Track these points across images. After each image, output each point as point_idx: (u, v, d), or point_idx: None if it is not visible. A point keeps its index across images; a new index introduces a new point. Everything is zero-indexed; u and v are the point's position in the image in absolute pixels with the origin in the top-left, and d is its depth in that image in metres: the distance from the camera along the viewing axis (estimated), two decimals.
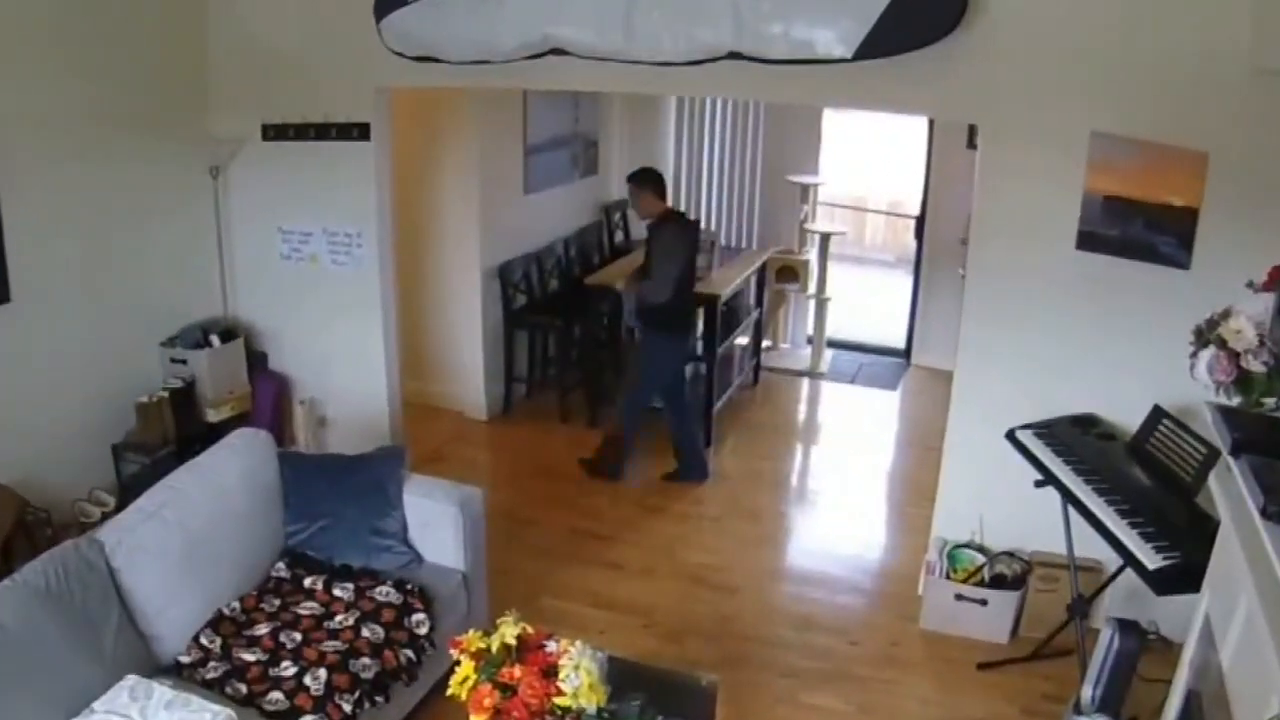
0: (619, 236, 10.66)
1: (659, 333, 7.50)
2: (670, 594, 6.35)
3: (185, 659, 4.47)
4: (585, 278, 9.04)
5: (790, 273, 10.44)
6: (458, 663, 3.75)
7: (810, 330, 10.79)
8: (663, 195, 7.37)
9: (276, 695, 4.26)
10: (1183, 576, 4.21)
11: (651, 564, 6.68)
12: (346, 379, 7.25)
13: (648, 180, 7.32)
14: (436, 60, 6.13)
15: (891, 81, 5.40)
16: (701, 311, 8.47)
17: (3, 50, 5.51)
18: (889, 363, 10.75)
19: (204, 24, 6.77)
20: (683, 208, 10.80)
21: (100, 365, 6.33)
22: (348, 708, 4.30)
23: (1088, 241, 5.39)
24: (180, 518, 4.64)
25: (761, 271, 9.81)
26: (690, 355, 8.00)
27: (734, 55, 5.47)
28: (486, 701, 3.60)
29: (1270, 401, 4.09)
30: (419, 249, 8.45)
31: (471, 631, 3.85)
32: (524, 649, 3.79)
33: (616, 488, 7.67)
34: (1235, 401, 4.20)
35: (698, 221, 7.81)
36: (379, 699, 4.49)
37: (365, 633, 4.69)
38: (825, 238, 10.39)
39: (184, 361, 6.71)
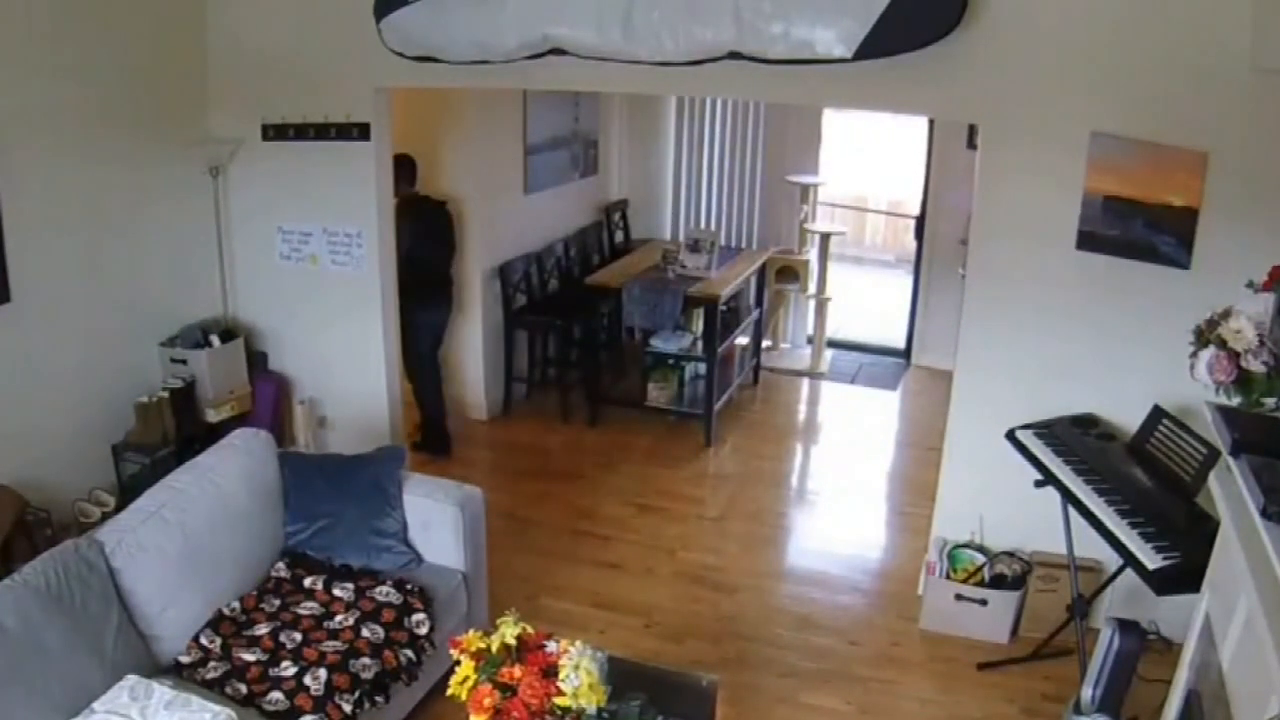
0: (619, 237, 10.66)
1: (405, 307, 7.53)
2: (670, 594, 6.35)
3: (185, 659, 4.47)
4: (585, 278, 9.04)
5: (790, 273, 10.44)
6: (458, 663, 3.75)
7: (810, 330, 10.79)
8: (409, 180, 7.60)
9: (276, 695, 4.26)
10: (1183, 576, 4.21)
11: (651, 564, 6.68)
12: (346, 379, 7.25)
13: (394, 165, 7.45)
14: (436, 60, 6.13)
15: (891, 82, 5.41)
16: (702, 311, 8.49)
17: (2, 50, 5.51)
18: (889, 363, 10.74)
19: (203, 23, 6.76)
20: (683, 208, 10.87)
21: (100, 365, 6.33)
22: (348, 708, 4.30)
23: (1088, 241, 5.39)
24: (180, 518, 4.65)
25: (761, 271, 9.80)
26: (435, 330, 8.04)
27: (734, 55, 5.47)
28: (486, 701, 3.60)
29: (1270, 401, 4.10)
30: None
31: (471, 631, 3.86)
32: (524, 649, 3.79)
33: (615, 487, 7.67)
34: (1235, 401, 4.21)
35: (441, 202, 7.80)
36: (379, 699, 4.49)
37: (365, 633, 4.69)
38: (825, 238, 10.39)
39: (184, 361, 6.70)
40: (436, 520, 5.30)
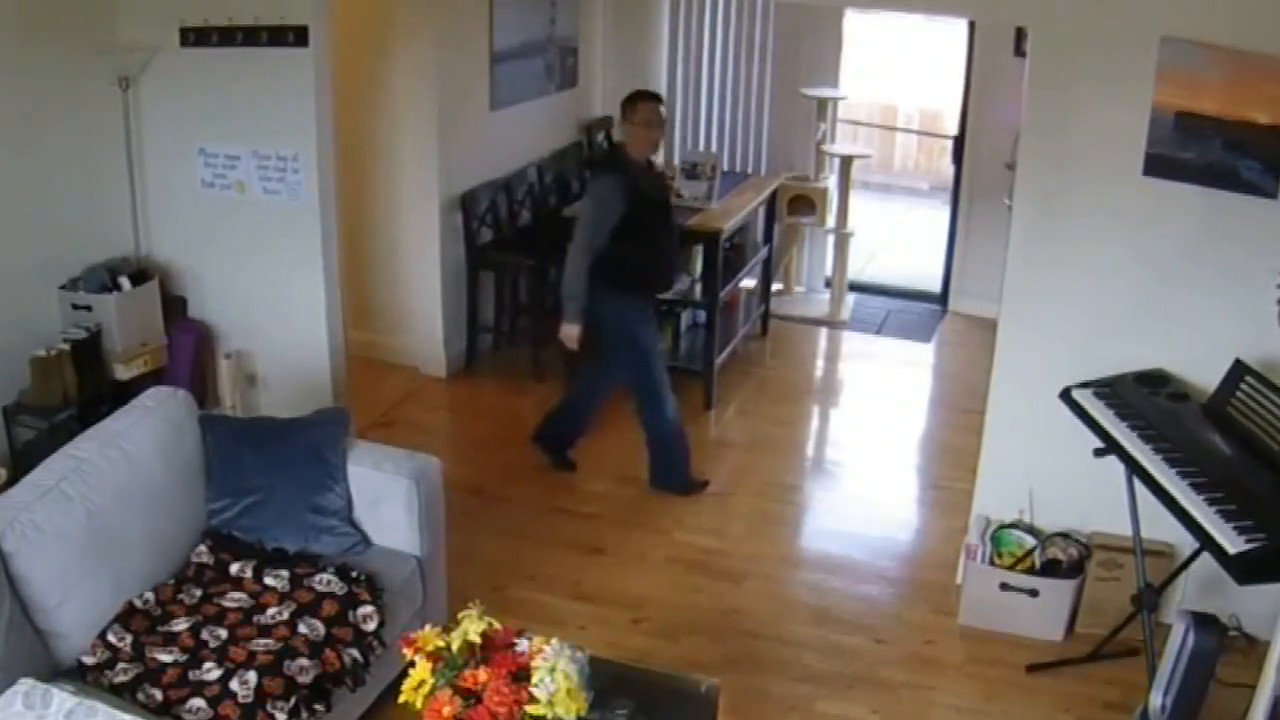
0: None
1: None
2: (664, 583, 6.37)
3: (90, 660, 4.44)
4: (563, 209, 9.01)
5: (805, 203, 10.43)
6: (411, 664, 3.74)
7: (829, 271, 10.81)
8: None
9: (197, 703, 4.24)
10: (1269, 562, 4.21)
11: (642, 548, 6.70)
12: (280, 329, 7.20)
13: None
14: None
15: None
16: (700, 249, 8.45)
17: None
18: (922, 309, 10.78)
19: None
20: (678, 127, 10.81)
21: None
22: (281, 717, 4.28)
23: (1157, 166, 5.37)
24: (84, 493, 4.60)
25: (771, 202, 9.78)
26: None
27: None
28: (446, 710, 3.59)
29: None
30: (365, 175, 8.43)
31: (428, 627, 3.84)
32: (490, 648, 3.78)
33: (599, 457, 7.66)
34: None
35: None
36: (318, 707, 4.48)
37: (302, 629, 4.67)
38: (847, 162, 10.35)
39: (88, 308, 6.65)
40: (387, 495, 5.28)
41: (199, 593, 4.87)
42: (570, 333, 6.94)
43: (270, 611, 4.75)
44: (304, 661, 4.51)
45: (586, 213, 6.93)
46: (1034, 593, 5.83)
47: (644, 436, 7.30)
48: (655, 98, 7.05)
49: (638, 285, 7.08)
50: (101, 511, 4.64)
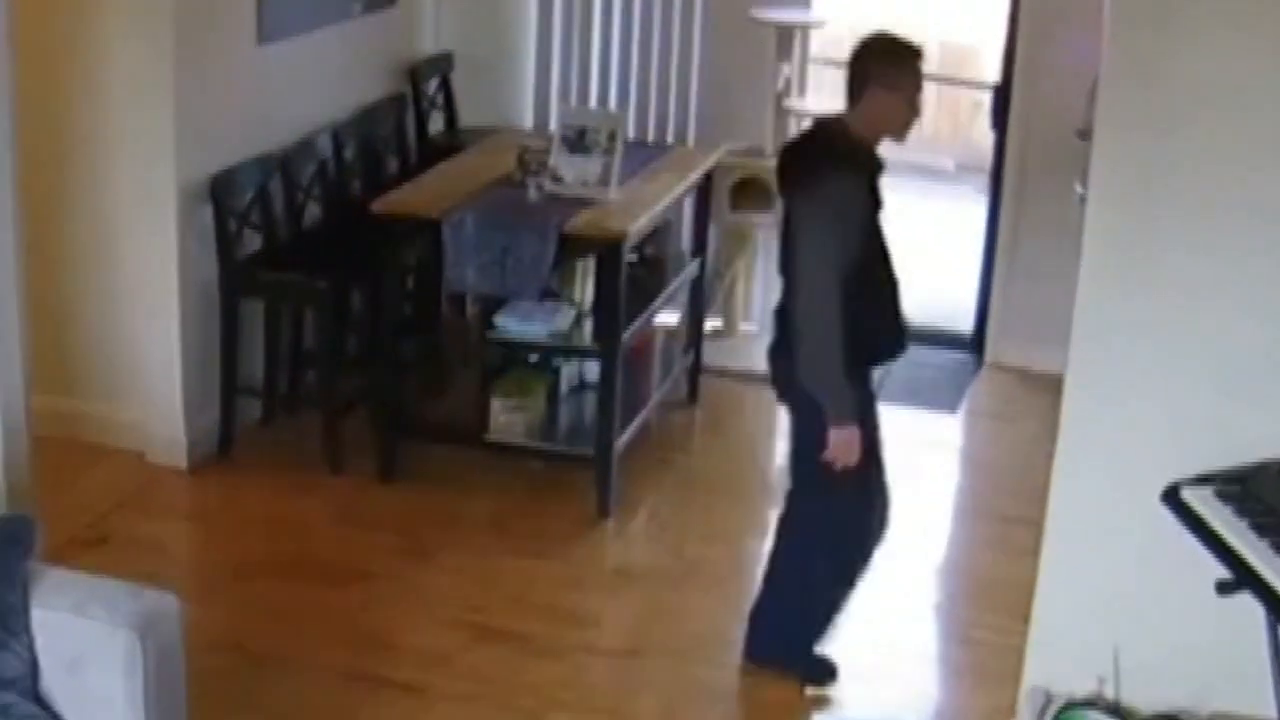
0: (437, 123, 10.80)
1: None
2: None
3: None
4: (373, 201, 8.95)
5: (758, 191, 10.48)
6: None
7: None
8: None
9: None
10: None
11: None
12: None
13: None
14: None
15: None
16: (592, 264, 8.56)
17: None
18: (944, 360, 10.95)
19: None
20: (556, 71, 10.87)
21: None
22: None
23: None
24: None
25: (705, 190, 9.90)
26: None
27: None
28: None
29: None
30: (60, 149, 8.49)
31: None
32: None
33: (431, 595, 7.70)
34: None
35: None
36: None
37: None
38: None
39: None
40: (95, 656, 5.21)
41: None
42: (850, 439, 6.68)
43: None
44: None
45: (822, 240, 6.72)
46: None
47: (767, 578, 7.18)
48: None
49: (868, 351, 6.92)
50: None
